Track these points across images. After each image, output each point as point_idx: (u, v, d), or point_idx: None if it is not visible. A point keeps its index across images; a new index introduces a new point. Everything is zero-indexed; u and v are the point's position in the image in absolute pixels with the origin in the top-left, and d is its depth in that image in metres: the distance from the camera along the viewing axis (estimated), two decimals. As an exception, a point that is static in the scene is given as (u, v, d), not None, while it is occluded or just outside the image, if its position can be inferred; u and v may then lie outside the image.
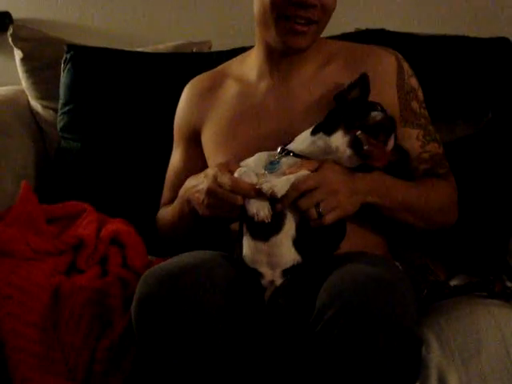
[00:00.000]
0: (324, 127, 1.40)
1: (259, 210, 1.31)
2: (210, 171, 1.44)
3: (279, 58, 1.59)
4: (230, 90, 1.66)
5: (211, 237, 1.60)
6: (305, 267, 1.34)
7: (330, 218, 1.34)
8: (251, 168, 1.39)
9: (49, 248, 1.53)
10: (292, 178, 1.33)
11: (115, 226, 1.63)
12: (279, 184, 1.31)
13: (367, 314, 1.17)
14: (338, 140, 1.37)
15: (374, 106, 1.41)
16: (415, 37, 2.06)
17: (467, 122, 1.94)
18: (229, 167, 1.41)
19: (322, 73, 1.59)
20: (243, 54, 1.74)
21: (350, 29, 2.10)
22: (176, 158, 1.74)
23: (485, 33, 2.06)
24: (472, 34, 2.06)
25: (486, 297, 1.49)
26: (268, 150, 1.45)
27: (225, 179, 1.37)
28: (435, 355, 1.37)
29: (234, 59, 1.75)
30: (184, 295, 1.25)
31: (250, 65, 1.67)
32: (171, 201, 1.67)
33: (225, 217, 1.42)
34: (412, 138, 1.57)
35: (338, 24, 2.07)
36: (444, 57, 2.02)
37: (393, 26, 2.08)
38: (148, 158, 1.98)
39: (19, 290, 1.40)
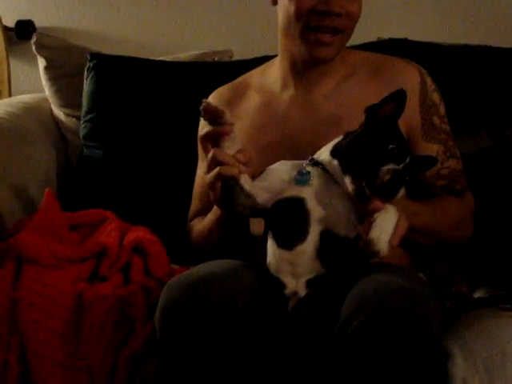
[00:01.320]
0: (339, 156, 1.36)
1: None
2: None
3: (303, 69, 1.59)
4: (253, 100, 1.67)
5: (238, 246, 1.58)
6: (329, 278, 1.33)
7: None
8: (278, 173, 1.37)
9: (72, 255, 1.54)
10: (389, 229, 1.25)
11: (138, 234, 1.63)
12: (382, 240, 1.24)
13: (392, 325, 1.16)
14: (347, 181, 1.33)
15: (392, 152, 1.31)
16: (438, 46, 2.05)
17: (491, 132, 1.93)
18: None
19: (345, 84, 1.59)
20: (264, 65, 1.74)
21: (373, 38, 2.10)
22: (200, 169, 1.73)
23: (508, 42, 2.05)
24: (495, 44, 2.05)
25: (510, 309, 1.48)
26: None
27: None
28: (460, 368, 1.35)
29: (255, 70, 1.75)
30: (208, 305, 1.25)
31: (272, 75, 1.67)
32: (200, 212, 1.67)
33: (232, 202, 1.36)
34: (432, 153, 1.56)
35: (360, 33, 2.06)
36: (467, 67, 2.01)
37: (415, 35, 2.07)
38: (170, 166, 1.98)
39: (42, 297, 1.41)
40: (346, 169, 1.33)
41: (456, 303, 1.50)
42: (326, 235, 1.33)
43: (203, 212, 1.66)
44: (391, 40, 2.06)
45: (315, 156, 1.40)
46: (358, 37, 2.01)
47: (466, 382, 1.35)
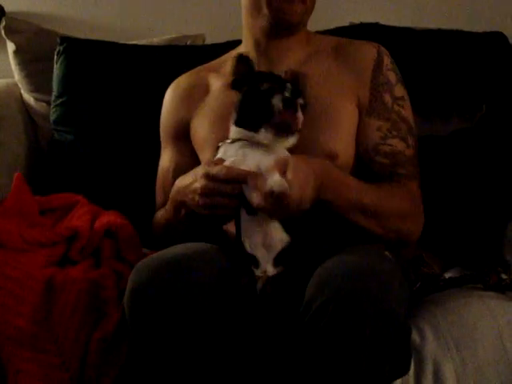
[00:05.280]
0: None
1: (276, 183, 1.28)
2: (199, 170, 1.42)
3: (266, 46, 1.61)
4: (216, 83, 1.67)
5: (206, 237, 1.58)
6: (295, 256, 1.34)
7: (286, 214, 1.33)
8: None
9: (42, 239, 1.52)
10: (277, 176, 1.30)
11: (109, 218, 1.62)
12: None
13: (354, 302, 1.17)
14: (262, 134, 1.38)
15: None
16: (410, 31, 2.06)
17: (461, 116, 1.95)
18: (217, 162, 1.40)
19: (307, 63, 1.60)
20: (225, 55, 1.76)
21: (344, 23, 2.10)
22: (165, 159, 1.72)
23: (479, 27, 2.07)
24: (467, 29, 2.06)
25: (481, 289, 1.49)
26: None
27: (217, 169, 1.36)
28: (431, 346, 1.37)
29: (215, 60, 1.77)
30: (176, 287, 1.25)
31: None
32: (162, 205, 1.66)
33: (223, 213, 1.40)
34: (372, 128, 1.56)
35: (332, 18, 2.08)
36: (438, 51, 2.02)
37: (387, 19, 2.08)
38: (141, 151, 1.97)
39: (12, 281, 1.39)
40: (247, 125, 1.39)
41: (426, 283, 1.51)
42: None
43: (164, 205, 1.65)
44: (363, 24, 2.07)
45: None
46: (330, 21, 2.03)
47: (437, 360, 1.36)
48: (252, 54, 1.61)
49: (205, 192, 1.38)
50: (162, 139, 1.75)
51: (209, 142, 1.59)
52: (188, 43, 2.19)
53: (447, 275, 1.57)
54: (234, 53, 1.69)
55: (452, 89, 1.97)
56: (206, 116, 1.63)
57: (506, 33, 2.02)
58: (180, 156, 1.69)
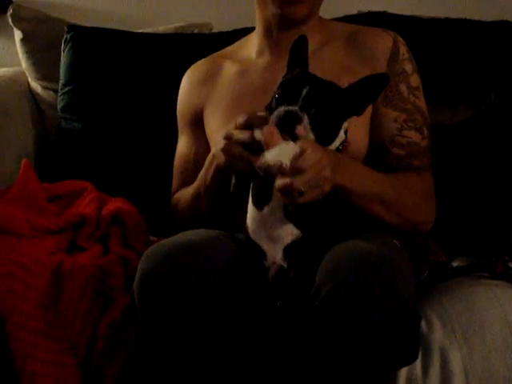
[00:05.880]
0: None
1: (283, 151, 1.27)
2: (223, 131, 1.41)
3: (278, 34, 1.60)
4: (229, 70, 1.67)
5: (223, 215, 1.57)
6: (306, 246, 1.33)
7: (308, 197, 1.28)
8: None
9: (49, 226, 1.52)
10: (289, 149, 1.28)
11: (116, 204, 1.62)
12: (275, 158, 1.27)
13: (363, 288, 1.17)
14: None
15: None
16: (417, 19, 2.05)
17: (469, 104, 1.94)
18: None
19: (320, 51, 1.59)
20: (243, 39, 1.75)
21: (353, 11, 2.09)
22: (182, 145, 1.73)
23: (487, 16, 2.06)
24: (474, 18, 2.05)
25: (487, 277, 1.49)
26: None
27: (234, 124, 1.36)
28: (438, 335, 1.37)
29: (232, 45, 1.76)
30: (186, 273, 1.25)
31: (250, 46, 1.68)
32: (181, 188, 1.67)
33: (245, 170, 1.37)
34: (389, 119, 1.55)
35: (340, 6, 2.07)
36: (446, 40, 2.02)
37: (395, 8, 2.07)
38: (149, 138, 1.97)
39: (20, 268, 1.40)
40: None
41: (433, 272, 1.51)
42: None
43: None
44: (371, 13, 2.06)
45: None
46: (338, 10, 2.02)
47: (444, 348, 1.36)
48: (264, 42, 1.62)
49: (226, 151, 1.37)
50: (178, 124, 1.75)
51: (222, 127, 1.59)
52: (195, 31, 2.18)
53: (454, 264, 1.57)
54: (248, 39, 1.69)
55: (460, 78, 1.96)
56: (218, 106, 1.64)
57: (513, 22, 2.02)
58: (197, 142, 1.69)
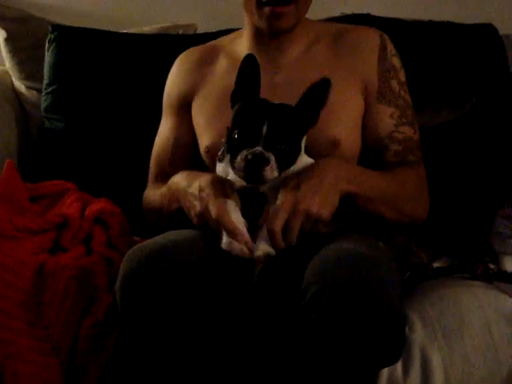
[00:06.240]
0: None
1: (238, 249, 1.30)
2: (204, 185, 1.38)
3: (267, 40, 1.60)
4: (221, 64, 1.67)
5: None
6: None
7: (324, 212, 1.32)
8: None
9: (32, 226, 1.52)
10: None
11: (100, 205, 1.62)
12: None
13: (350, 289, 1.18)
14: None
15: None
16: (400, 22, 2.06)
17: (451, 106, 1.95)
18: (225, 191, 1.35)
19: (309, 51, 1.61)
20: (235, 32, 1.75)
21: (336, 13, 2.10)
22: (165, 127, 1.72)
23: (469, 19, 2.07)
24: (457, 20, 2.07)
25: (468, 278, 1.51)
26: None
27: (213, 211, 1.33)
28: (418, 335, 1.38)
29: (226, 36, 1.77)
30: (167, 273, 1.26)
31: (241, 43, 1.68)
32: (159, 176, 1.67)
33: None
34: (386, 115, 1.57)
35: (323, 8, 2.07)
36: (429, 42, 2.03)
37: (378, 10, 2.08)
38: (132, 139, 1.97)
39: (2, 268, 1.39)
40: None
41: (415, 273, 1.53)
42: None
43: (160, 178, 1.66)
44: (354, 15, 2.07)
45: None
46: (322, 12, 2.02)
47: (424, 348, 1.37)
48: (253, 46, 1.62)
49: (201, 216, 1.37)
50: (164, 108, 1.74)
51: (208, 126, 1.61)
52: (180, 32, 2.18)
53: (435, 265, 1.58)
54: (241, 34, 1.68)
55: (442, 79, 1.97)
56: (207, 99, 1.64)
57: (495, 24, 2.03)
58: (180, 128, 1.69)
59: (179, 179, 1.50)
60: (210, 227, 1.36)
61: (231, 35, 1.75)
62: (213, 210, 1.33)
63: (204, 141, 1.62)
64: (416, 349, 1.37)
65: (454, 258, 1.64)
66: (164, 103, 1.74)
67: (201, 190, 1.38)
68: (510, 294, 1.44)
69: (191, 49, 1.76)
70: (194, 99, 1.67)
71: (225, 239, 1.31)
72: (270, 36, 1.59)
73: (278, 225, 1.29)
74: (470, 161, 1.83)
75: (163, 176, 1.64)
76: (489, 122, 1.88)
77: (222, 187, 1.36)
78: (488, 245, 1.71)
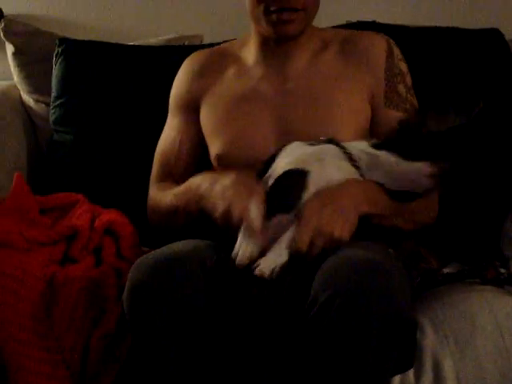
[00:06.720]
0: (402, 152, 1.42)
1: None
2: (229, 184, 1.39)
3: (274, 47, 1.60)
4: (230, 69, 1.67)
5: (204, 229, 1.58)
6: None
7: (346, 235, 1.33)
8: None
9: (42, 238, 1.53)
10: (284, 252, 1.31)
11: (109, 216, 1.63)
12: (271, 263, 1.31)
13: (361, 296, 1.18)
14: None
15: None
16: (406, 29, 2.06)
17: (458, 111, 1.95)
18: (251, 193, 1.35)
19: (316, 59, 1.61)
20: (244, 36, 1.74)
21: (341, 21, 2.10)
22: (171, 127, 1.71)
23: (476, 24, 2.07)
24: (463, 26, 2.07)
25: (478, 283, 1.50)
26: (263, 136, 1.51)
27: (236, 210, 1.34)
28: (430, 341, 1.38)
29: (235, 41, 1.76)
30: (175, 283, 1.26)
31: (249, 48, 1.67)
32: (163, 175, 1.67)
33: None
34: (391, 120, 1.56)
35: (328, 16, 2.08)
36: (435, 48, 2.02)
37: (384, 18, 2.08)
38: (140, 150, 1.96)
39: (13, 280, 1.40)
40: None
41: (425, 278, 1.52)
42: None
43: (165, 177, 1.66)
44: (360, 23, 2.07)
45: None
46: (327, 20, 2.03)
47: (436, 353, 1.37)
48: (260, 53, 1.62)
49: (223, 215, 1.37)
50: (170, 108, 1.74)
51: (217, 131, 1.61)
52: (186, 44, 2.19)
53: (445, 270, 1.57)
54: (249, 39, 1.67)
55: (448, 85, 1.97)
56: (216, 105, 1.64)
57: (501, 29, 2.03)
58: (187, 130, 1.69)
59: (201, 180, 1.49)
60: (232, 230, 1.36)
61: (239, 41, 1.74)
62: (236, 210, 1.33)
63: (214, 149, 1.62)
64: (428, 354, 1.37)
65: (463, 263, 1.63)
66: (170, 104, 1.74)
67: (225, 189, 1.38)
68: (521, 298, 1.43)
69: (198, 51, 1.77)
70: (202, 104, 1.66)
71: (238, 241, 1.32)
72: (276, 43, 1.59)
73: (305, 245, 1.29)
74: (479, 165, 1.83)
75: (168, 175, 1.65)
76: (496, 126, 1.88)
77: (247, 186, 1.37)
78: (498, 249, 1.70)
